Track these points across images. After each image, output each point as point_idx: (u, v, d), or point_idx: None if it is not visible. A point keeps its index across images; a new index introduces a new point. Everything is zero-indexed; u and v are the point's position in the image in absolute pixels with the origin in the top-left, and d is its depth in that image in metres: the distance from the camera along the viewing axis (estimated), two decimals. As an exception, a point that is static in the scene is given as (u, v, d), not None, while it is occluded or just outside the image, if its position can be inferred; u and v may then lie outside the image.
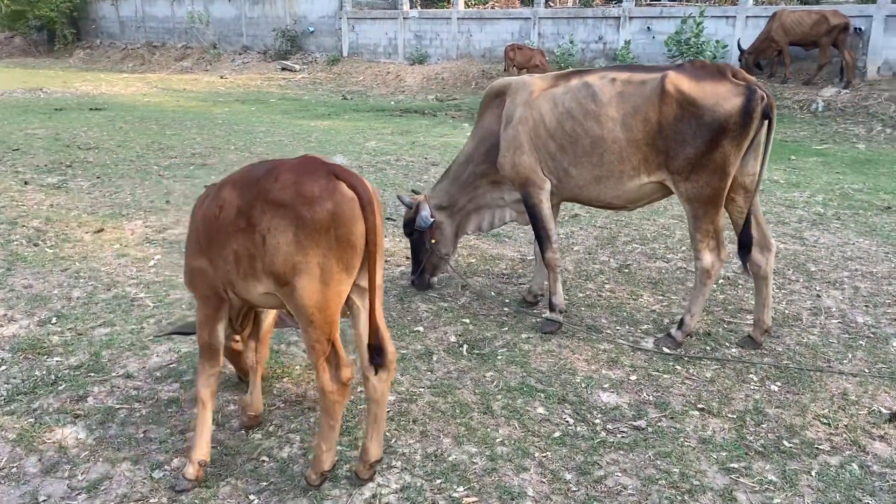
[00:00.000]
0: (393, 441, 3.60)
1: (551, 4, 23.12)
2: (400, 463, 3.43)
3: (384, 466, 3.39)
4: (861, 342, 4.78)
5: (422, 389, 4.10)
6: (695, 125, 4.34)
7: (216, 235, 3.22)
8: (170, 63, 29.52)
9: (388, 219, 7.65)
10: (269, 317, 3.78)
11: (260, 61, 27.10)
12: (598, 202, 4.91)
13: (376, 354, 3.24)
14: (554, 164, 4.83)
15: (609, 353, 4.57)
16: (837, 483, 3.29)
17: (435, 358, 4.49)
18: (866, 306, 5.37)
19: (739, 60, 17.24)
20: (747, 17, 18.06)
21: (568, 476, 3.32)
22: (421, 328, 4.91)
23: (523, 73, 19.67)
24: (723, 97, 4.31)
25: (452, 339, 4.77)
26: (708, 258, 4.55)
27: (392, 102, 19.74)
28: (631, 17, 19.75)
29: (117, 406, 3.93)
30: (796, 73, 17.32)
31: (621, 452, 3.50)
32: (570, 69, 5.20)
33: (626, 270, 6.16)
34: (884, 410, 3.89)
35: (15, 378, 4.21)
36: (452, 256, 5.71)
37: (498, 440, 3.59)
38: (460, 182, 5.43)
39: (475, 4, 24.38)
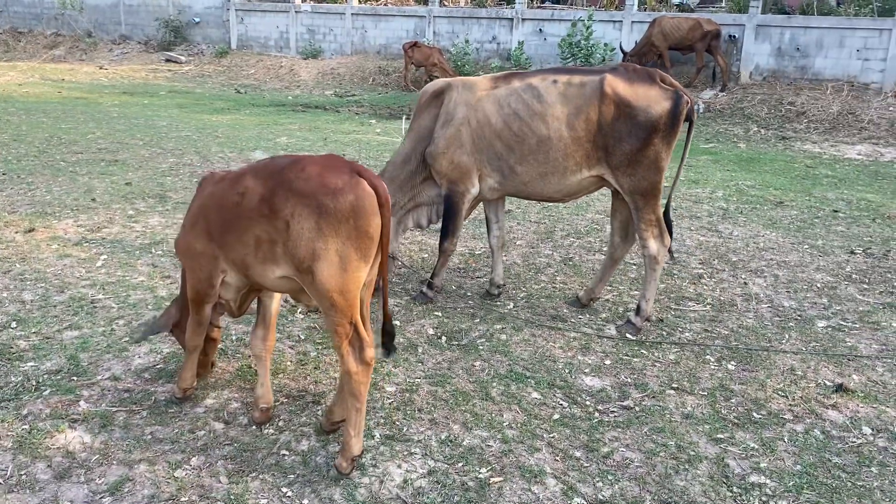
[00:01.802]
0: (405, 429, 3.76)
1: (446, 4, 23.47)
2: (419, 450, 3.59)
3: (405, 453, 3.55)
4: (791, 324, 5.33)
5: (418, 380, 4.26)
6: (630, 125, 4.80)
7: (235, 221, 3.37)
8: (38, 51, 27.74)
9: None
10: (275, 302, 3.85)
11: (141, 52, 25.98)
12: (540, 196, 5.29)
13: (389, 339, 3.44)
14: (500, 162, 5.12)
15: (579, 341, 4.89)
16: (808, 447, 3.73)
17: (420, 350, 4.66)
18: (788, 292, 5.97)
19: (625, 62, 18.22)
20: (632, 21, 19.07)
21: (578, 454, 3.60)
22: (398, 322, 5.06)
23: (421, 70, 19.96)
24: (654, 100, 4.80)
25: (430, 331, 4.95)
26: (654, 245, 4.99)
27: (289, 97, 19.51)
28: (524, 19, 20.40)
29: (114, 409, 3.87)
30: (677, 76, 18.46)
31: (619, 430, 3.82)
32: (508, 71, 5.49)
33: (571, 263, 6.53)
34: (828, 383, 4.41)
35: (-9, 385, 4.05)
36: (396, 255, 5.88)
37: (505, 424, 3.82)
38: (398, 182, 5.57)
39: (368, 0, 24.38)
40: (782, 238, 7.50)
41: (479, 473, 3.41)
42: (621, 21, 19.25)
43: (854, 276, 6.39)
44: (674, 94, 4.86)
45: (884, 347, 4.95)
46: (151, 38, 26.41)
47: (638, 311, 5.13)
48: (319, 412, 3.91)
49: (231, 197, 3.44)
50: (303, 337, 4.80)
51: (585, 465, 3.51)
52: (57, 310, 5.01)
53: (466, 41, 20.34)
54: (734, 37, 18.10)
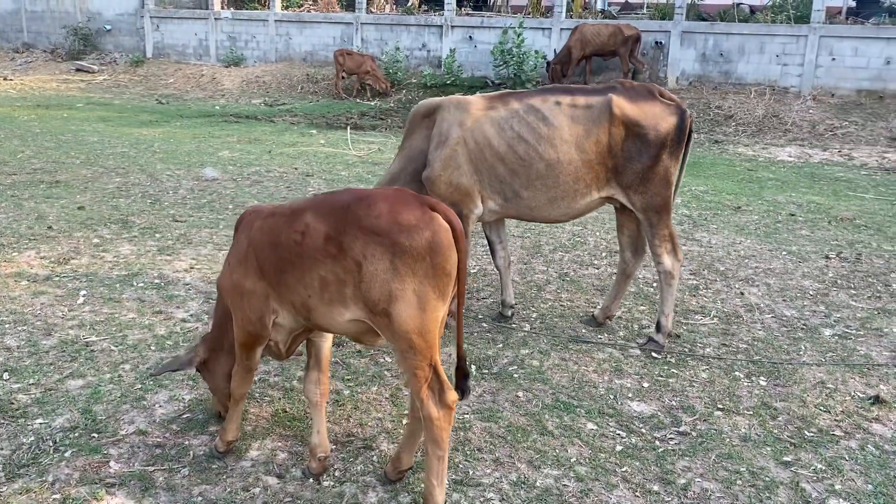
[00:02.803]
0: (471, 472, 3.59)
1: (373, 10, 23.21)
2: (494, 494, 3.43)
3: (481, 499, 3.38)
4: (800, 334, 5.42)
5: (466, 416, 4.09)
6: (640, 144, 4.82)
7: (296, 261, 3.17)
8: (-70, 60, 25.89)
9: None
10: (327, 343, 3.61)
11: (48, 61, 24.61)
12: (545, 220, 5.25)
13: (463, 379, 3.27)
14: (501, 185, 5.01)
15: (609, 363, 4.82)
16: (870, 465, 3.76)
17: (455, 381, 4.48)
18: (785, 301, 6.09)
19: (547, 71, 18.48)
20: (561, 28, 19.33)
21: (655, 487, 3.51)
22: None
23: (353, 78, 19.65)
24: (660, 117, 4.83)
25: (458, 360, 4.78)
26: (668, 260, 5.00)
27: (216, 107, 18.84)
28: (453, 26, 20.37)
29: (151, 468, 3.54)
30: (607, 82, 18.83)
31: (687, 459, 3.75)
32: (502, 91, 5.38)
33: (568, 279, 6.48)
34: (861, 395, 4.48)
35: (2, 449, 3.64)
36: None
37: (573, 460, 3.70)
38: None
39: (289, 7, 23.84)
40: (758, 245, 7.68)
41: (566, 516, 3.28)
42: (550, 28, 19.49)
43: (839, 281, 6.58)
44: (677, 109, 4.91)
45: (895, 354, 5.09)
46: (58, 46, 25.06)
47: (658, 327, 5.11)
48: (375, 458, 3.69)
49: (288, 235, 3.20)
50: (330, 375, 4.54)
51: (667, 499, 3.43)
52: (50, 356, 4.58)
53: (397, 48, 20.15)
54: (661, 43, 18.59)
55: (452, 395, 3.13)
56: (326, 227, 3.11)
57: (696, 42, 18.20)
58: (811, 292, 6.28)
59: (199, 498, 3.36)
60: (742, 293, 6.23)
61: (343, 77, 19.56)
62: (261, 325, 3.37)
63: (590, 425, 4.03)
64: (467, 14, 21.47)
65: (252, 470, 3.57)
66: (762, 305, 5.96)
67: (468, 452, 3.75)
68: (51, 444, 3.69)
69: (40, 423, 3.87)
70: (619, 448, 3.83)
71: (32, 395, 4.13)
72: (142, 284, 5.85)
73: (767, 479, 3.60)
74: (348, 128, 14.89)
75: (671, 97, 5.03)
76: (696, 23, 18.67)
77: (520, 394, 4.35)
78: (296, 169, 11.02)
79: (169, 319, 5.22)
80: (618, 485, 3.52)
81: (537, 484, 3.51)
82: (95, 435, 3.79)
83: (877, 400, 4.37)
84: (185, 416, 4.01)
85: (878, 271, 6.87)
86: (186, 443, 3.77)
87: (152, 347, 4.77)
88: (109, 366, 4.50)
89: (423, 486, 3.22)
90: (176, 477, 3.50)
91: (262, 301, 3.35)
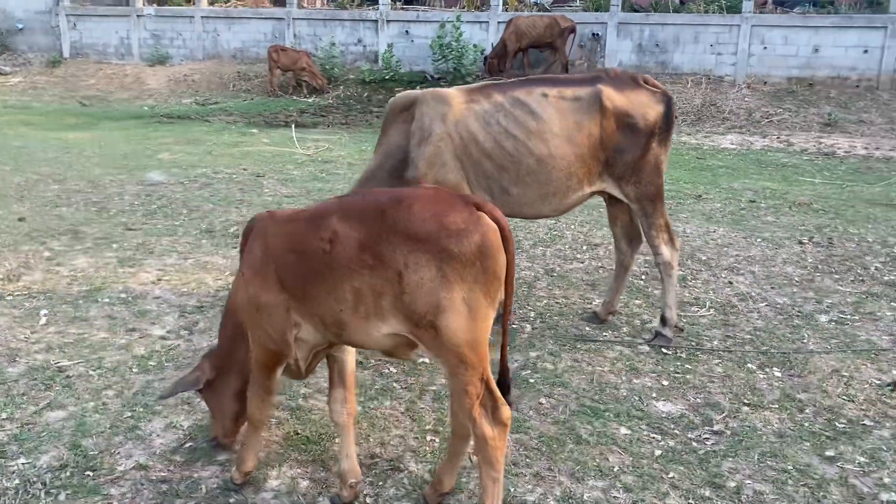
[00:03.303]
0: (513, 489, 3.35)
1: (304, 5, 22.61)
2: (542, 511, 3.20)
3: (532, 519, 3.15)
4: (797, 321, 5.38)
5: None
6: (630, 134, 4.72)
7: (325, 272, 2.86)
8: None
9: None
10: (351, 358, 3.31)
11: (-45, 62, 23.06)
12: (535, 216, 5.14)
13: (506, 392, 3.02)
14: (488, 182, 4.82)
15: (622, 361, 4.65)
16: (909, 453, 3.70)
17: (471, 390, 4.23)
18: (773, 288, 6.06)
19: (484, 65, 18.37)
20: (498, 22, 19.20)
21: (706, 492, 3.35)
22: (421, 358, 4.60)
23: (289, 75, 19.08)
24: (648, 106, 4.75)
25: (467, 367, 4.53)
26: (667, 251, 4.90)
27: (144, 108, 18.02)
28: (389, 21, 20.01)
29: (161, 508, 3.18)
30: (546, 73, 18.83)
31: (730, 459, 3.60)
32: (483, 83, 5.18)
33: (556, 274, 6.30)
34: (877, 381, 4.44)
35: (-17, 496, 3.22)
36: None
37: (616, 469, 3.50)
38: None
39: (216, 3, 23.01)
40: (732, 233, 7.67)
41: (625, 531, 3.08)
42: (487, 22, 19.36)
43: (820, 266, 6.60)
44: (663, 96, 4.85)
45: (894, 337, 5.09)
46: (-35, 46, 23.52)
47: (664, 321, 4.98)
48: (405, 480, 3.41)
49: (313, 243, 2.89)
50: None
51: (722, 503, 3.27)
52: (20, 385, 4.12)
53: (333, 44, 19.64)
54: (598, 34, 18.69)
55: (507, 411, 2.88)
56: (359, 233, 2.81)
57: (632, 33, 18.36)
58: (797, 279, 6.27)
59: (222, 538, 3.02)
60: (730, 282, 6.17)
61: (277, 74, 18.95)
62: (283, 342, 3.05)
63: (623, 430, 3.84)
64: (402, 8, 21.11)
65: (275, 502, 3.25)
66: (753, 294, 5.91)
67: (505, 468, 3.51)
68: (40, 486, 3.28)
69: (23, 463, 3.44)
70: (658, 453, 3.65)
71: (8, 432, 3.69)
72: (107, 300, 5.38)
73: (816, 476, 3.47)
74: (293, 126, 14.40)
75: (655, 84, 4.94)
76: (632, 14, 18.85)
77: (542, 400, 4.13)
78: (245, 170, 10.54)
79: (145, 337, 4.80)
80: (668, 492, 3.33)
81: (585, 498, 3.29)
82: (90, 473, 3.39)
83: (895, 386, 4.33)
84: (187, 445, 3.64)
85: (853, 254, 6.93)
86: (195, 475, 3.41)
87: (134, 370, 4.35)
88: (90, 393, 4.07)
89: (477, 510, 2.96)
90: (191, 516, 3.15)
91: (282, 315, 3.03)
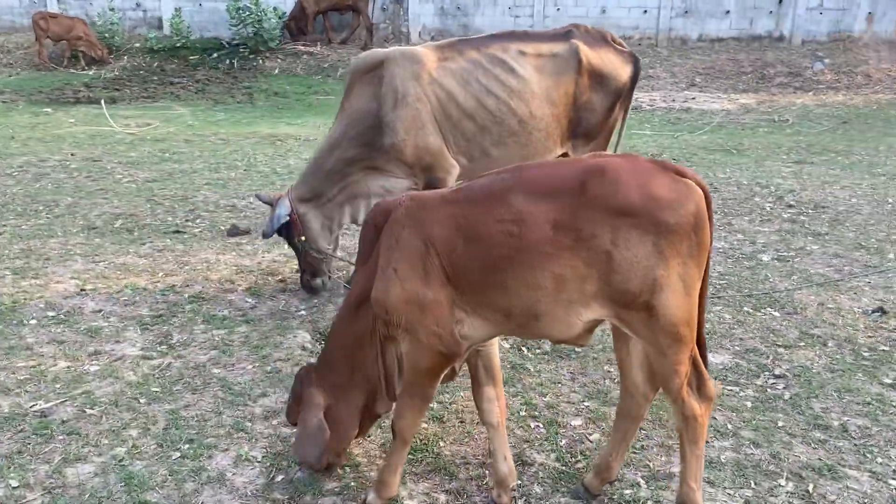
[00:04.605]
0: (651, 464, 3.22)
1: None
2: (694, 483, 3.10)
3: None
4: (747, 262, 5.71)
5: (585, 403, 3.67)
6: (601, 94, 4.75)
7: (515, 257, 2.53)
8: None
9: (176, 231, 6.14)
10: (496, 351, 2.96)
11: None
12: None
13: (705, 364, 2.84)
14: (469, 144, 4.66)
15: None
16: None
17: (530, 365, 4.01)
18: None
19: (285, 29, 17.57)
20: (295, -17, 18.27)
21: (819, 435, 3.43)
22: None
23: (62, 45, 16.81)
24: (619, 66, 4.81)
25: (506, 344, 4.29)
26: None
27: None
28: (173, -18, 18.27)
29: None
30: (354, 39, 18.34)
31: (815, 400, 3.72)
32: (451, 40, 4.94)
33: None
34: (862, 310, 4.81)
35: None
36: (331, 253, 5.00)
37: (729, 426, 3.48)
38: (325, 170, 4.74)
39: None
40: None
41: (782, 485, 3.07)
42: (284, -16, 18.35)
43: (727, 210, 7.07)
44: (631, 57, 4.89)
45: (843, 269, 5.57)
46: None
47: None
48: (540, 474, 3.14)
49: (494, 226, 2.53)
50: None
51: (840, 443, 3.36)
52: (6, 442, 3.22)
53: (111, 9, 17.55)
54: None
55: (712, 385, 2.73)
56: (551, 211, 2.50)
57: (433, -4, 18.39)
58: (717, 224, 6.66)
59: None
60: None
61: (47, 44, 16.60)
62: (453, 340, 2.64)
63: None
64: (186, -31, 19.32)
65: (427, 525, 2.84)
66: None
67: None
68: (134, 563, 2.60)
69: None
70: (749, 405, 3.69)
71: (35, 501, 2.87)
72: (34, 321, 4.38)
73: (894, 402, 3.71)
74: (102, 103, 12.72)
75: (621, 43, 4.96)
76: (433, -23, 18.82)
77: (611, 368, 4.01)
78: (73, 154, 9.14)
79: (121, 360, 3.97)
80: (790, 441, 3.38)
81: (722, 459, 3.25)
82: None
83: (882, 312, 4.75)
84: (278, 479, 3.06)
85: (744, 197, 7.53)
86: (314, 512, 2.89)
87: (142, 400, 3.58)
88: (107, 436, 3.29)
89: (678, 490, 2.79)
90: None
91: (448, 312, 2.62)
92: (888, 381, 3.92)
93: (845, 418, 3.57)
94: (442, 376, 2.74)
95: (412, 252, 2.61)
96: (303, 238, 4.75)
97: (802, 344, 4.35)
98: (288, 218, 4.69)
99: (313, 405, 2.86)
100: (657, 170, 2.56)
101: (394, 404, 2.91)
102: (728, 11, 17.95)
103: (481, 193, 2.60)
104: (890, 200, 7.42)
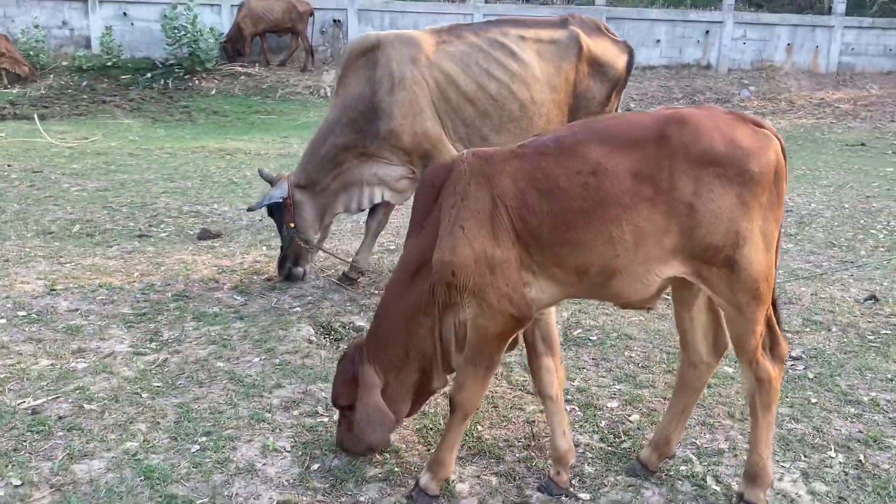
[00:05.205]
0: (696, 441, 3.12)
1: (-14, -19, 19.01)
2: (730, 460, 3.01)
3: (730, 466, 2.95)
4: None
5: (618, 387, 3.55)
6: (599, 82, 4.74)
7: (592, 211, 2.41)
8: None
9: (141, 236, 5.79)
10: (553, 319, 2.81)
11: None
12: None
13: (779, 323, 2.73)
14: (468, 130, 4.56)
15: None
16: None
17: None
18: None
19: (223, 50, 17.25)
20: (232, 5, 17.95)
21: (853, 410, 3.40)
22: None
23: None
24: (616, 55, 4.84)
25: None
26: None
27: None
28: (101, 2, 17.68)
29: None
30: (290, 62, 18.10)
31: (840, 378, 3.70)
32: (450, 24, 4.85)
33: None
34: (854, 299, 4.88)
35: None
36: (320, 242, 4.83)
37: (725, 410, 3.40)
38: (319, 157, 4.59)
39: None
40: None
41: (832, 456, 3.02)
42: (220, 5, 18.02)
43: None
44: (626, 47, 4.90)
45: (822, 265, 5.68)
46: None
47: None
48: (589, 454, 2.99)
49: (569, 178, 2.41)
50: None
51: (875, 417, 3.34)
52: (6, 439, 2.88)
53: (36, 26, 16.82)
54: (339, 21, 18.39)
55: (786, 346, 2.65)
56: (631, 161, 2.40)
57: (373, 20, 18.35)
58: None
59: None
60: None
61: (-32, 61, 15.75)
62: (524, 302, 2.49)
63: (728, 369, 3.78)
64: (116, -11, 18.76)
65: (485, 507, 2.65)
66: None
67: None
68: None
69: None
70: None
71: (43, 501, 2.55)
72: (3, 320, 3.99)
73: (918, 380, 3.74)
74: (35, 116, 12.06)
75: (614, 33, 4.97)
76: (373, 1, 18.81)
77: (632, 353, 3.91)
78: (9, 166, 8.58)
79: (111, 356, 3.64)
80: (828, 417, 3.34)
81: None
82: (222, 528, 2.47)
83: (875, 299, 4.83)
84: (313, 468, 2.81)
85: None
86: (361, 499, 2.65)
87: (144, 394, 3.27)
88: (113, 431, 2.97)
89: (748, 459, 2.68)
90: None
91: (517, 272, 2.47)
92: (899, 358, 3.96)
93: (873, 393, 3.56)
94: (508, 342, 2.57)
95: (480, 208, 2.45)
96: (292, 225, 4.55)
97: (808, 329, 4.36)
98: (281, 200, 4.52)
99: (371, 385, 2.64)
100: (737, 120, 2.49)
101: (449, 379, 2.73)
102: (658, 40, 18.52)
103: (553, 145, 2.47)
104: (846, 205, 7.67)
